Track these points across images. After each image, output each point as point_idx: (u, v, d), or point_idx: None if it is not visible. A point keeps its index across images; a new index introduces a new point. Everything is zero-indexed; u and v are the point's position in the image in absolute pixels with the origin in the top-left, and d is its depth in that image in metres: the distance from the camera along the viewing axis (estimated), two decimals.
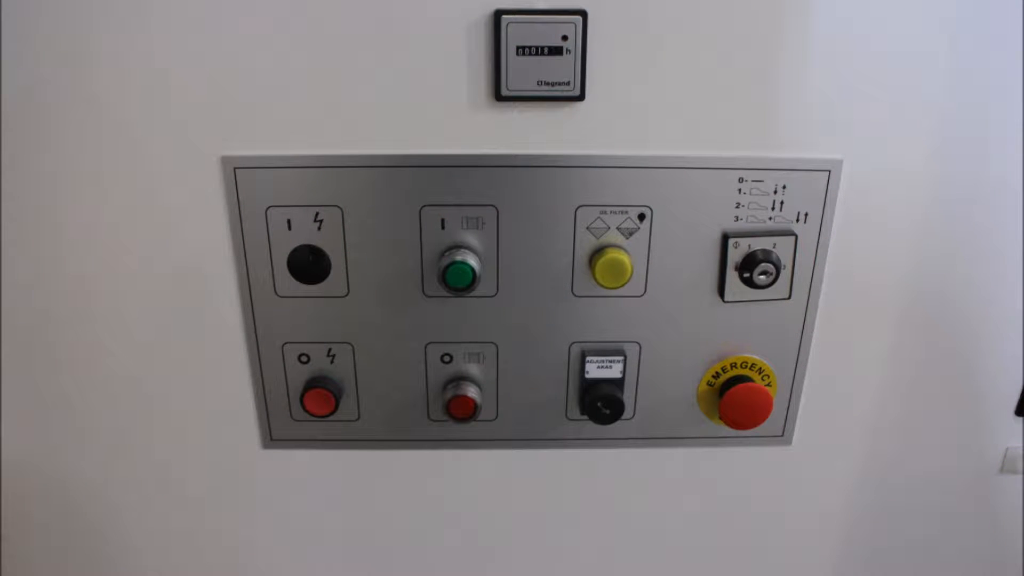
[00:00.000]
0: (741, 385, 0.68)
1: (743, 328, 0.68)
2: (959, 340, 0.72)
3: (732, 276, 0.66)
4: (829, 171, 0.63)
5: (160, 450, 0.75)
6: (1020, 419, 0.75)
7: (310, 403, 0.69)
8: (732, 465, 0.76)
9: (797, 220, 0.65)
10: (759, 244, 0.65)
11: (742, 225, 0.64)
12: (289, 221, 0.64)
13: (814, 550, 0.82)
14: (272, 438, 0.73)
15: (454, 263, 0.63)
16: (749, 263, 0.65)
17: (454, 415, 0.69)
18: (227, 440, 0.74)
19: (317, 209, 0.63)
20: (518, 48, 0.57)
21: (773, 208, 0.64)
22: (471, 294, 0.65)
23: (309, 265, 0.65)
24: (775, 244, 0.65)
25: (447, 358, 0.69)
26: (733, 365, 0.70)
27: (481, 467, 0.76)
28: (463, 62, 0.59)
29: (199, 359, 0.70)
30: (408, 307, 0.67)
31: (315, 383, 0.69)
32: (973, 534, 0.82)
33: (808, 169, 0.63)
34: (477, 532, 0.79)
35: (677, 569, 0.82)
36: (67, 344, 0.70)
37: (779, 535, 0.81)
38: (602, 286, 0.65)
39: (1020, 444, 0.77)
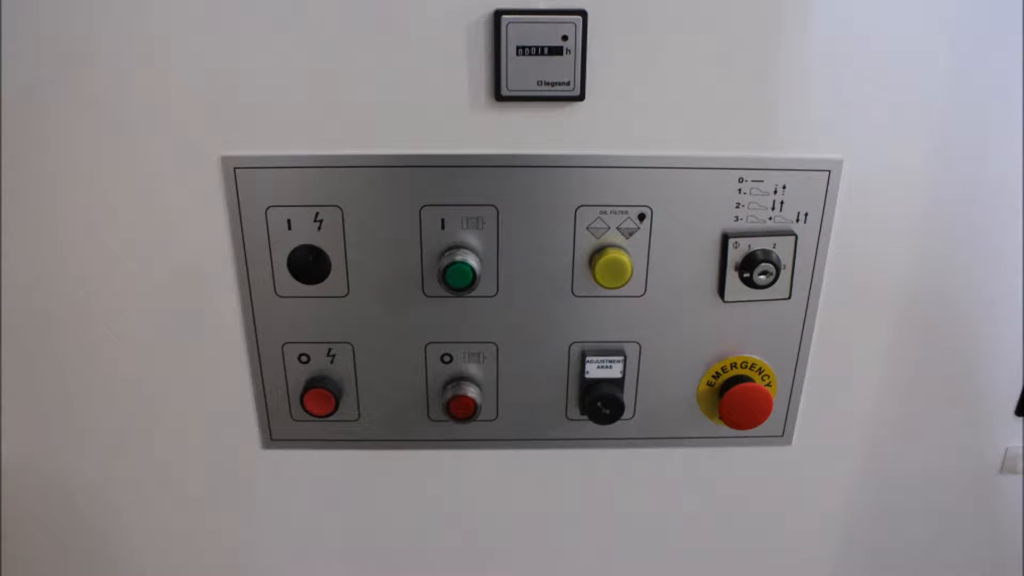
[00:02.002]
0: (741, 385, 0.68)
1: (743, 328, 0.68)
2: (959, 340, 0.72)
3: (732, 276, 0.66)
4: (829, 171, 0.63)
5: (160, 450, 0.75)
6: (1020, 419, 0.75)
7: (310, 403, 0.69)
8: (732, 465, 0.76)
9: (797, 220, 0.65)
10: (759, 244, 0.65)
11: (742, 225, 0.64)
12: (289, 221, 0.64)
13: (814, 550, 0.82)
14: (272, 438, 0.73)
15: (454, 263, 0.63)
16: (749, 263, 0.65)
17: (454, 415, 0.69)
18: (227, 440, 0.74)
19: (317, 209, 0.63)
20: (518, 48, 0.57)
21: (773, 208, 0.64)
22: (471, 294, 0.65)
23: (309, 265, 0.65)
24: (775, 244, 0.65)
25: (447, 358, 0.69)
26: (733, 365, 0.70)
27: (481, 467, 0.76)
28: (463, 62, 0.59)
29: (199, 359, 0.70)
30: (408, 307, 0.67)
31: (315, 383, 0.69)
32: (973, 534, 0.82)
33: (808, 169, 0.63)
34: (477, 532, 0.79)
35: (677, 569, 0.82)
36: (67, 344, 0.70)
37: (779, 535, 0.81)
38: (602, 286, 0.65)
39: (1020, 444, 0.77)
